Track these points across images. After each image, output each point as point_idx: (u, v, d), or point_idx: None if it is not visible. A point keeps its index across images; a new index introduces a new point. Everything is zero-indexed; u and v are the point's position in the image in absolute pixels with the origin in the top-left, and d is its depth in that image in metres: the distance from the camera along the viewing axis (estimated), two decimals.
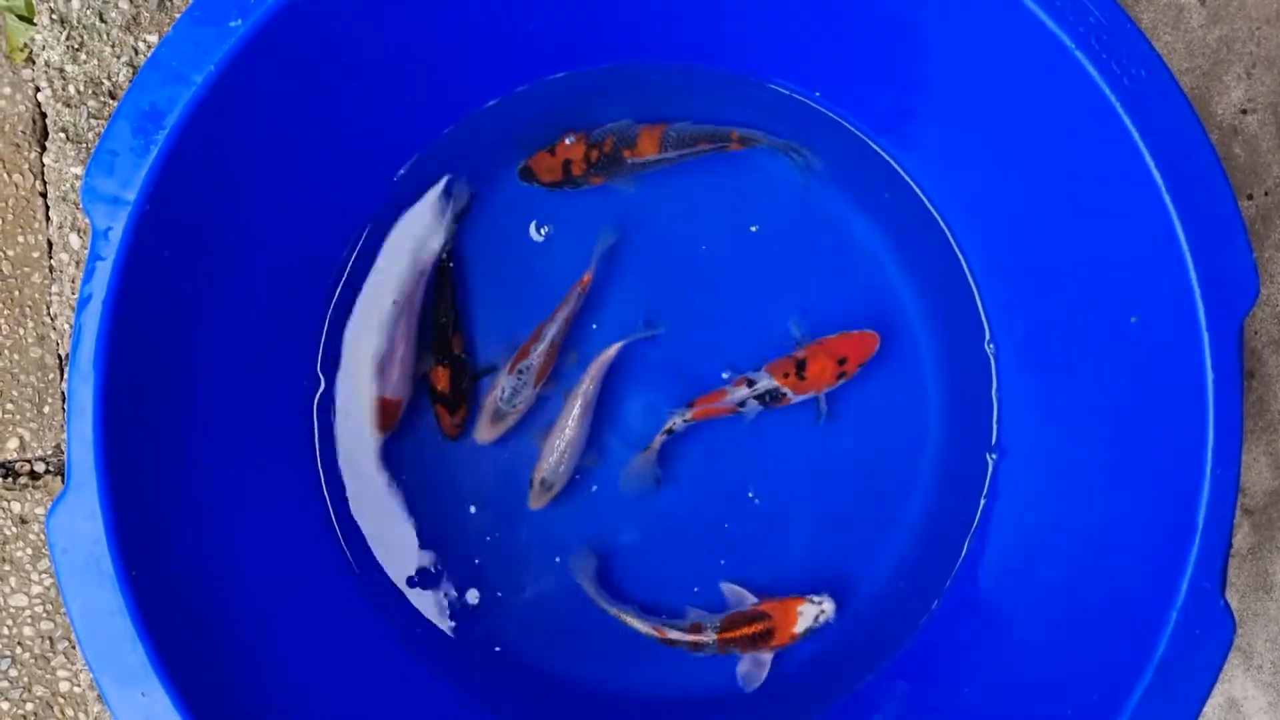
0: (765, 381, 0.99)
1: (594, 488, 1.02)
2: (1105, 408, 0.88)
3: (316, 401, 0.99)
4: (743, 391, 0.99)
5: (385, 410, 1.00)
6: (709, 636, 0.97)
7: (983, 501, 0.99)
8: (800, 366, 0.99)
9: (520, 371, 0.99)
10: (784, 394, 0.99)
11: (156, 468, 0.79)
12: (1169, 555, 0.76)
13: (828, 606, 0.98)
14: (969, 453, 1.01)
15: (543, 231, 1.03)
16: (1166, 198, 0.76)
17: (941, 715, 0.91)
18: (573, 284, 1.00)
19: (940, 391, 1.03)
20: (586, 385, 1.00)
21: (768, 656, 0.99)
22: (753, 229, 1.04)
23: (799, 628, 0.98)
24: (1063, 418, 0.93)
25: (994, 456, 1.00)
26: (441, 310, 1.01)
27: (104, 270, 0.74)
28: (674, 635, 0.98)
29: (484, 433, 1.00)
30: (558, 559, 1.01)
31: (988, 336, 1.00)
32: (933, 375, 1.03)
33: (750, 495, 1.02)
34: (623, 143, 1.00)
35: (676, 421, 0.99)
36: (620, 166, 1.01)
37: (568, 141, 1.01)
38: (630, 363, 1.02)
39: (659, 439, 0.99)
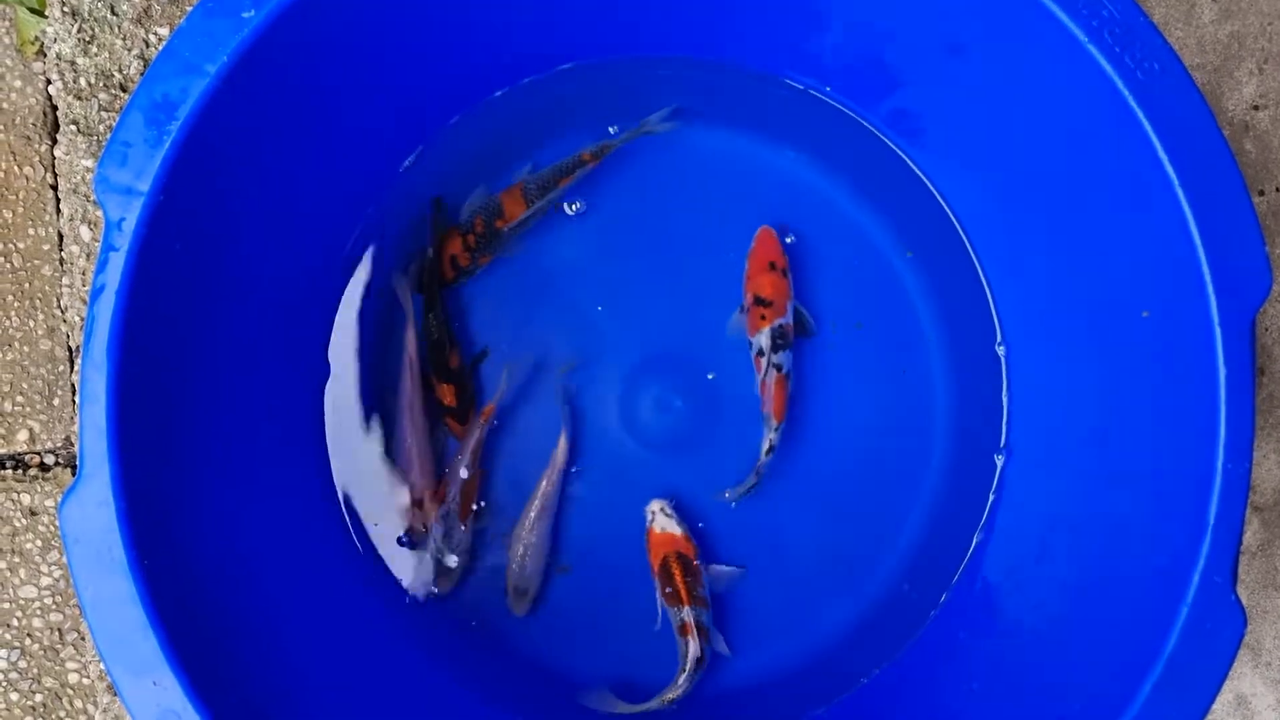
0: (761, 337, 0.99)
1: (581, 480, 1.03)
2: (1116, 404, 0.88)
3: (327, 388, 0.99)
4: (766, 358, 0.99)
5: (414, 509, 1.00)
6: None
7: (991, 498, 0.99)
8: (760, 302, 0.99)
9: (444, 517, 0.98)
10: (779, 326, 0.99)
11: (168, 457, 0.79)
12: (1180, 550, 0.76)
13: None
14: (977, 453, 1.01)
15: (574, 207, 1.03)
16: (1179, 192, 0.76)
17: (950, 710, 0.91)
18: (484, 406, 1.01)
19: (949, 393, 1.03)
20: (544, 487, 1.00)
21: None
22: (787, 239, 1.04)
23: None
24: (1073, 415, 0.93)
25: (1001, 458, 1.00)
26: (433, 328, 1.01)
27: (117, 260, 0.74)
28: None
29: (441, 585, 1.00)
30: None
31: (999, 338, 1.00)
32: (942, 377, 1.03)
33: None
34: (491, 215, 1.00)
35: (772, 438, 0.99)
36: (500, 237, 1.00)
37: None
38: (635, 363, 1.03)
39: (762, 461, 1.00)
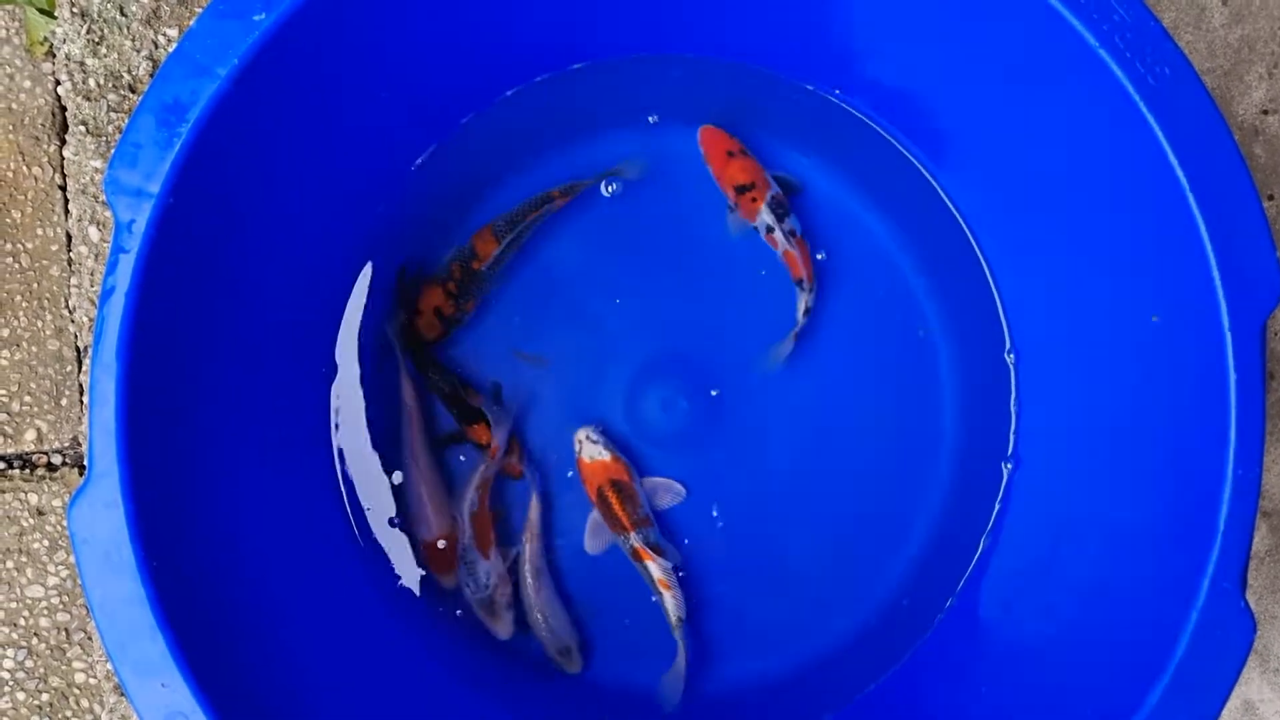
0: (763, 216, 0.99)
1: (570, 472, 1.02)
2: (1126, 411, 0.88)
3: (334, 389, 0.99)
4: (777, 230, 1.00)
5: (435, 554, 1.00)
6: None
7: (997, 506, 0.99)
8: (742, 189, 1.00)
9: (466, 562, 0.98)
10: (772, 198, 0.99)
11: (177, 458, 0.79)
12: (1189, 556, 0.76)
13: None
14: (985, 460, 1.01)
15: (611, 186, 1.03)
16: (1190, 197, 0.76)
17: (958, 715, 0.90)
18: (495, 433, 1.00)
19: (957, 401, 1.02)
20: (529, 552, 1.00)
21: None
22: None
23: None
24: (1082, 421, 0.93)
25: (1009, 466, 0.99)
26: (440, 383, 1.01)
27: (127, 262, 0.74)
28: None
29: (501, 628, 0.99)
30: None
31: (1008, 345, 1.00)
32: (950, 384, 1.03)
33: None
34: (466, 260, 1.00)
35: (808, 300, 1.00)
36: (479, 279, 1.00)
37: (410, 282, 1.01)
38: (643, 364, 1.03)
39: (800, 324, 1.00)
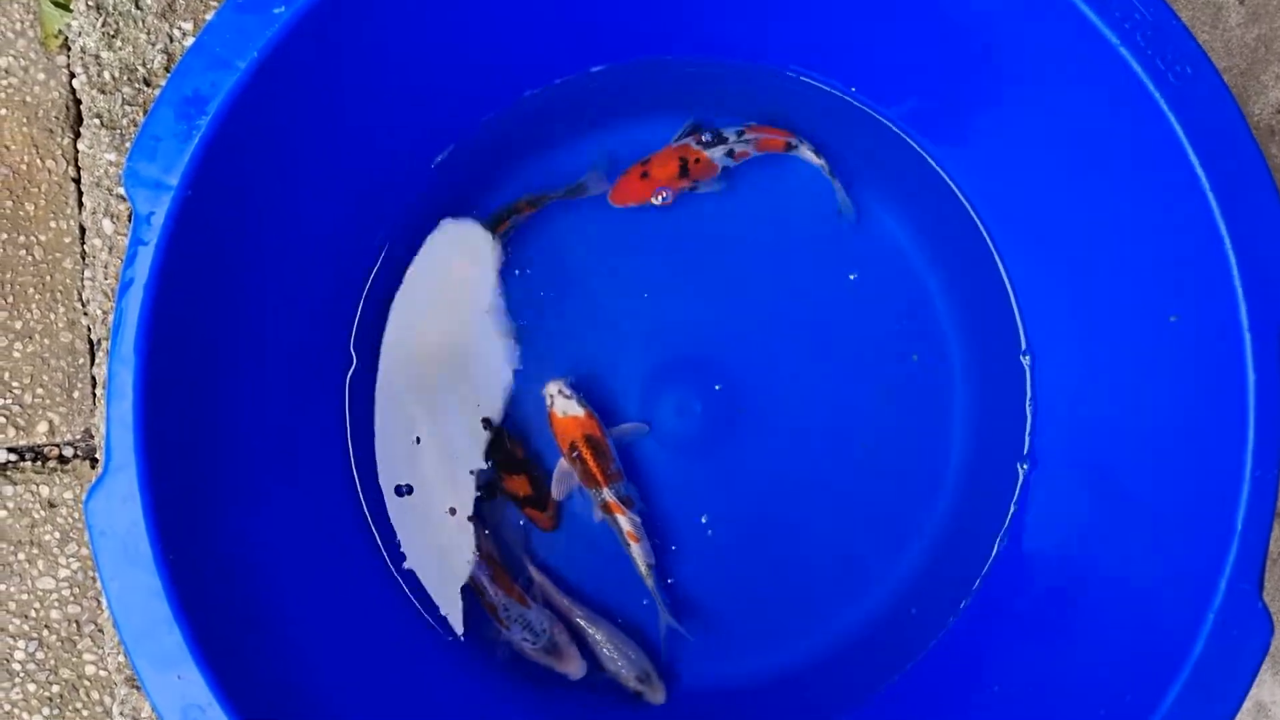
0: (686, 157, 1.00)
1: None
2: (1142, 411, 0.87)
3: (349, 379, 0.99)
4: (712, 150, 1.00)
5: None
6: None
7: (1013, 508, 0.99)
8: (647, 171, 1.00)
9: (511, 619, 0.97)
10: (684, 163, 1.00)
11: (195, 451, 0.79)
12: (1207, 557, 0.75)
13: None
14: (1000, 461, 1.00)
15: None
16: (1210, 196, 0.76)
17: (971, 713, 0.90)
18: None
19: (970, 404, 1.02)
20: (557, 600, 1.00)
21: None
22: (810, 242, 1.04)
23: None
24: (1098, 422, 0.92)
25: (1025, 467, 0.99)
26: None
27: (146, 255, 0.74)
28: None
29: (573, 667, 0.99)
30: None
31: (1023, 347, 1.00)
32: (963, 387, 1.02)
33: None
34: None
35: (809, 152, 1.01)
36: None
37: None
38: (656, 367, 1.03)
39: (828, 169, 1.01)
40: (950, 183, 1.01)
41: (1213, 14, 1.12)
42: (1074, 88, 0.83)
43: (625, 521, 0.97)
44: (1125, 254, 0.87)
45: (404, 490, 0.99)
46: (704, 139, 1.00)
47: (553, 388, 0.99)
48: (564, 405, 0.98)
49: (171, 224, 0.74)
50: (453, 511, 0.99)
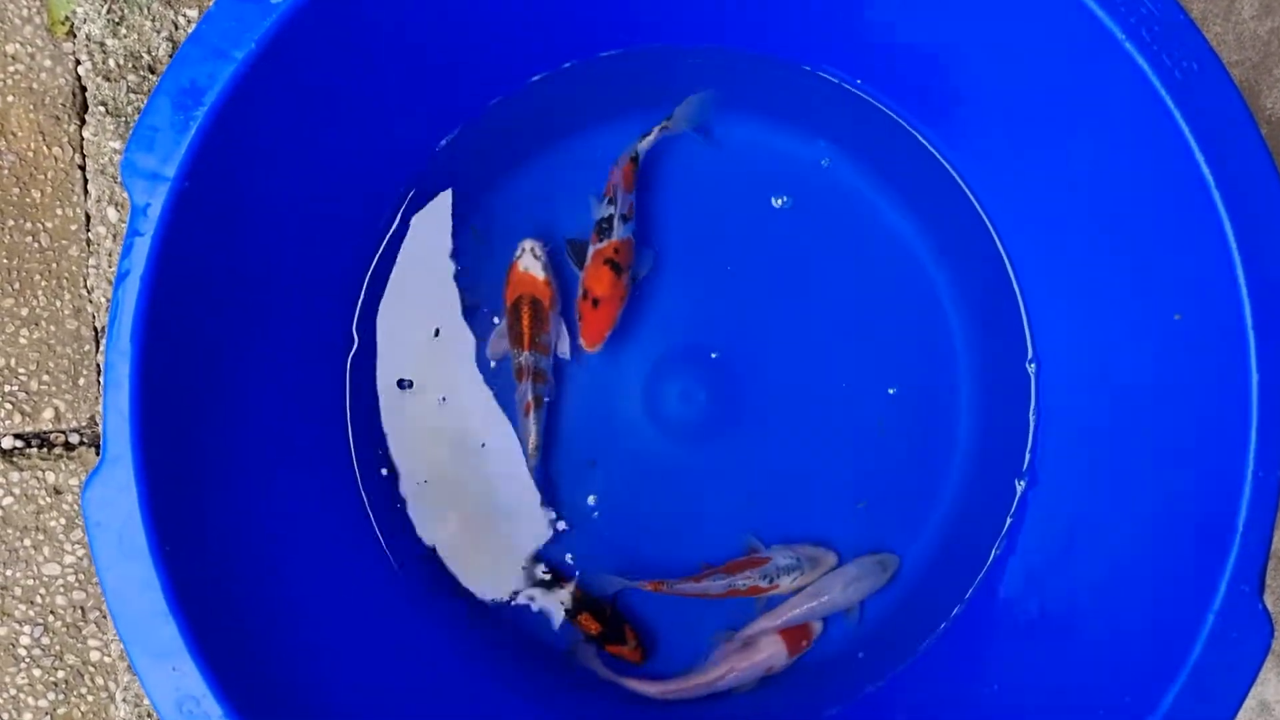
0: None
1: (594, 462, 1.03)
2: (1145, 409, 0.87)
3: (350, 360, 0.99)
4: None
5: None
6: (529, 358, 0.98)
7: (1014, 507, 0.99)
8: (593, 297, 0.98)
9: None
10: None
11: (192, 442, 0.79)
12: (1207, 557, 0.75)
13: (528, 244, 0.99)
14: (1000, 466, 1.00)
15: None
16: (1215, 194, 0.75)
17: (970, 712, 0.90)
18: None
19: (974, 408, 1.02)
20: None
21: (560, 325, 1.00)
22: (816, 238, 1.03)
23: (541, 275, 0.99)
24: (1100, 420, 0.92)
25: (1026, 469, 0.99)
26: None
27: (142, 246, 0.74)
28: (529, 395, 0.98)
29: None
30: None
31: (1030, 354, 0.99)
32: (968, 391, 1.02)
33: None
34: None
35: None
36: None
37: None
38: (662, 355, 1.02)
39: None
40: (957, 177, 1.00)
41: (1225, 6, 1.11)
42: (1080, 83, 0.82)
43: (529, 389, 0.97)
44: (1131, 251, 0.86)
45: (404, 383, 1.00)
46: (602, 229, 0.99)
47: (528, 244, 0.99)
48: (529, 263, 0.98)
49: (168, 215, 0.74)
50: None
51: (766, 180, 1.03)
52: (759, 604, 0.99)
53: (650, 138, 1.00)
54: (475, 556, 1.00)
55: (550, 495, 1.01)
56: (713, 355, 1.02)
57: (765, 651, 0.98)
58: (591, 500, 1.01)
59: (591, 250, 0.99)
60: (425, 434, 1.01)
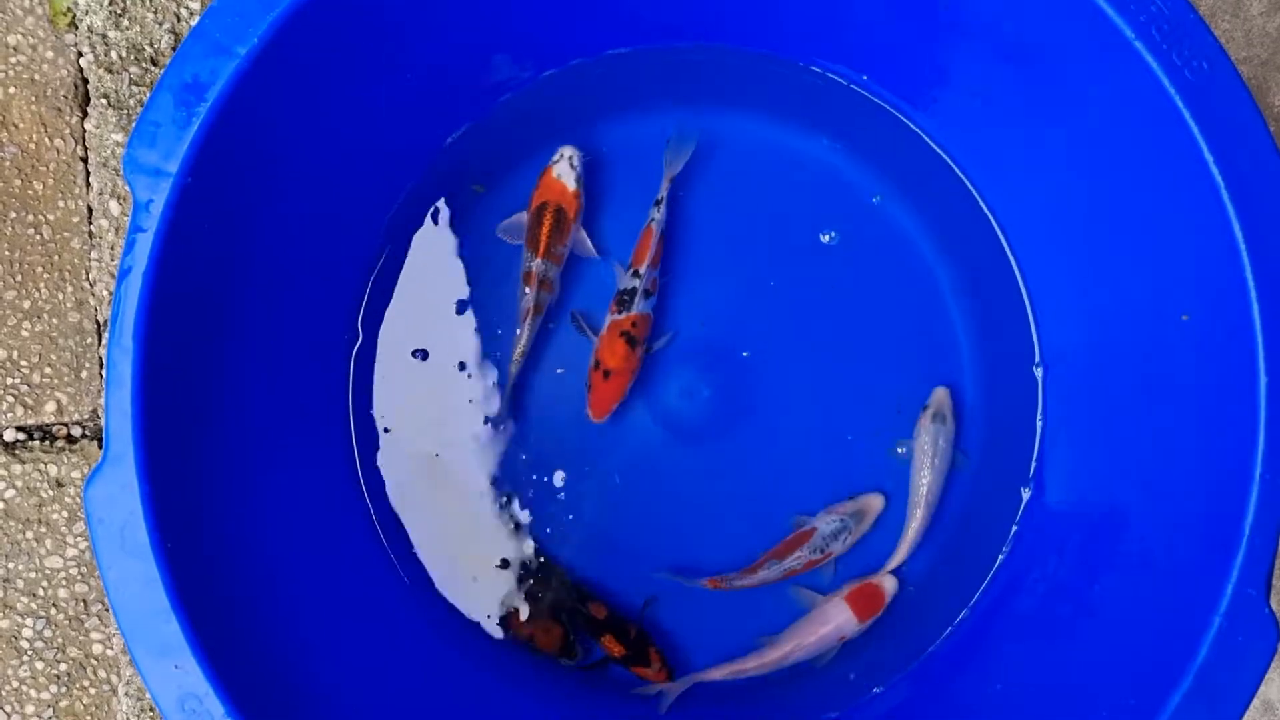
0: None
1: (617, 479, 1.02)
2: (1152, 411, 0.86)
3: (354, 356, 0.99)
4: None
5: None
6: (540, 265, 0.97)
7: (1021, 509, 0.98)
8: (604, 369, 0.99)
9: None
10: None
11: (194, 440, 0.79)
12: (1214, 560, 0.75)
13: (567, 151, 0.98)
14: (1008, 462, 1.00)
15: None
16: (1224, 195, 0.75)
17: (975, 714, 0.90)
18: None
19: (981, 411, 1.01)
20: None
21: (581, 234, 1.00)
22: (825, 238, 1.03)
23: (572, 186, 0.98)
24: (1107, 421, 0.92)
25: (1032, 473, 0.98)
26: (558, 587, 1.00)
27: (145, 242, 0.74)
28: (531, 303, 0.97)
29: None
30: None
31: (1037, 358, 0.99)
32: (974, 395, 1.01)
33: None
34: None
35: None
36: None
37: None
38: (668, 350, 1.02)
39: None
40: (965, 179, 1.00)
41: (1234, 2, 1.10)
42: (1089, 82, 0.81)
43: (534, 296, 0.97)
44: (1139, 251, 0.86)
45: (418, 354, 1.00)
46: (623, 300, 0.98)
47: (567, 151, 0.99)
48: (562, 170, 0.98)
49: (170, 212, 0.74)
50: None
51: (771, 178, 1.03)
52: (830, 570, 0.99)
53: (662, 204, 0.99)
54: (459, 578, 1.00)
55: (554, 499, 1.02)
56: (744, 354, 1.02)
57: (833, 621, 0.97)
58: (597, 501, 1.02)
59: (609, 320, 0.99)
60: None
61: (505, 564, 1.00)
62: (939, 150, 1.00)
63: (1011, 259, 0.99)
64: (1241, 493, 0.74)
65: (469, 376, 1.01)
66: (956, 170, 1.00)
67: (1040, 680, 0.87)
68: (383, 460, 0.99)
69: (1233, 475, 0.75)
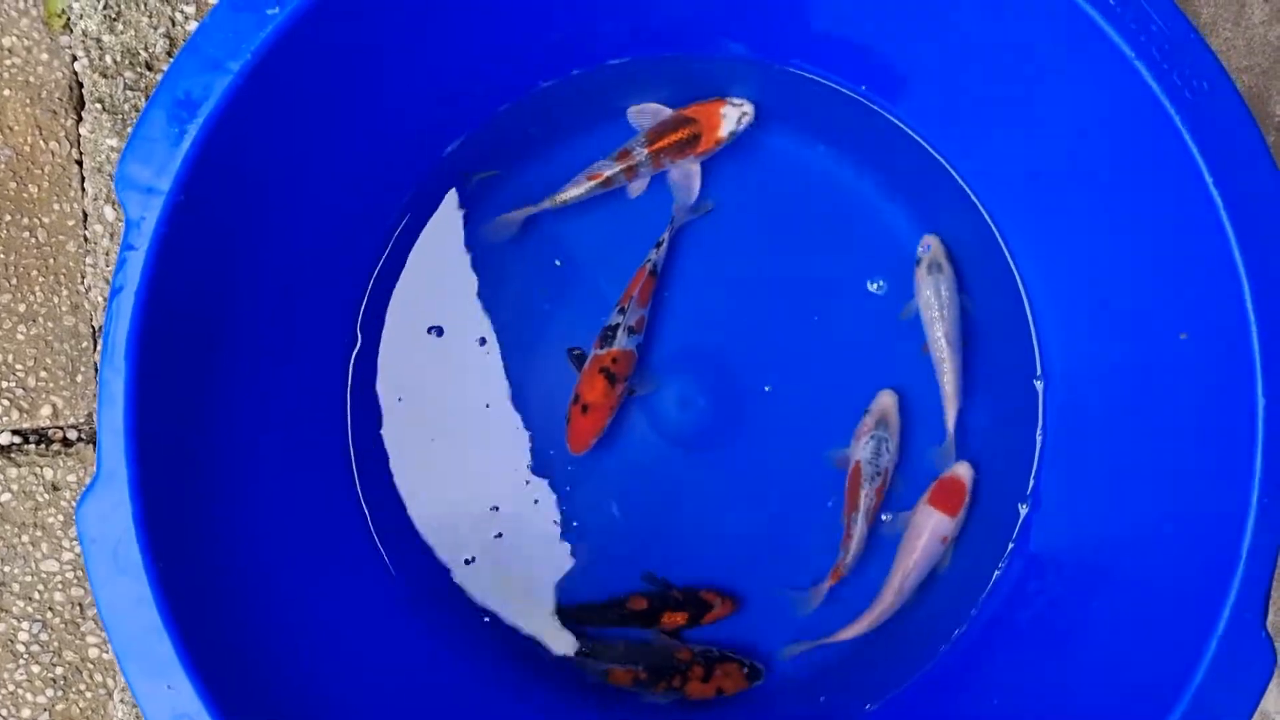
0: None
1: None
2: (1149, 433, 0.86)
3: (350, 373, 0.99)
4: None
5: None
6: (640, 153, 0.97)
7: (1018, 527, 0.98)
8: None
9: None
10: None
11: (187, 459, 0.79)
12: (1211, 582, 0.74)
13: (748, 108, 0.98)
14: (1007, 475, 0.99)
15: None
16: (1223, 214, 0.74)
17: None
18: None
19: (980, 421, 1.01)
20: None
21: (696, 167, 0.99)
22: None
23: (724, 130, 0.98)
24: (1103, 443, 0.92)
25: (1032, 484, 0.98)
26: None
27: (136, 261, 0.73)
28: (606, 172, 0.97)
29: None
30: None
31: (1038, 370, 0.98)
32: (973, 413, 1.01)
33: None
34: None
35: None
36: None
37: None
38: (665, 358, 1.02)
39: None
40: (969, 191, 0.99)
41: (1236, 10, 1.09)
42: (1088, 101, 0.81)
43: (607, 166, 0.98)
44: (1139, 272, 0.85)
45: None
46: (606, 336, 0.98)
47: (747, 106, 0.99)
48: (729, 114, 0.98)
49: (163, 229, 0.73)
50: None
51: (773, 188, 1.03)
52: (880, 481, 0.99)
53: (663, 246, 0.99)
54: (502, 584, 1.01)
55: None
56: (766, 389, 1.01)
57: (927, 529, 0.96)
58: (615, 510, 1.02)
59: (591, 355, 0.99)
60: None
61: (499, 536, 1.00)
62: (945, 162, 1.00)
63: (1016, 272, 0.99)
64: (1239, 516, 0.74)
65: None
66: (959, 179, 1.00)
67: (1035, 701, 0.87)
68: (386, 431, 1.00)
69: (1230, 499, 0.75)
